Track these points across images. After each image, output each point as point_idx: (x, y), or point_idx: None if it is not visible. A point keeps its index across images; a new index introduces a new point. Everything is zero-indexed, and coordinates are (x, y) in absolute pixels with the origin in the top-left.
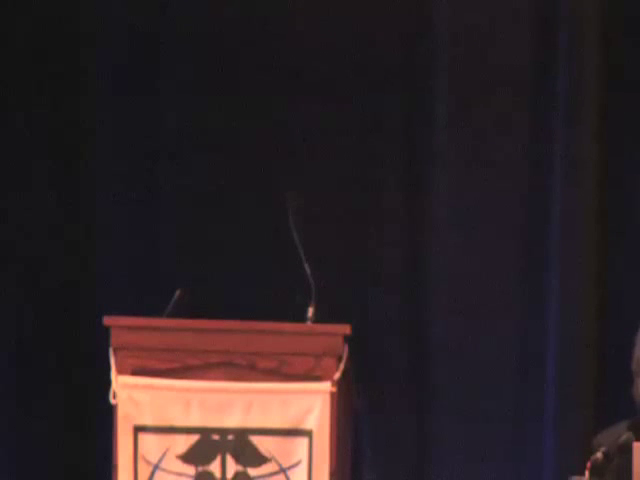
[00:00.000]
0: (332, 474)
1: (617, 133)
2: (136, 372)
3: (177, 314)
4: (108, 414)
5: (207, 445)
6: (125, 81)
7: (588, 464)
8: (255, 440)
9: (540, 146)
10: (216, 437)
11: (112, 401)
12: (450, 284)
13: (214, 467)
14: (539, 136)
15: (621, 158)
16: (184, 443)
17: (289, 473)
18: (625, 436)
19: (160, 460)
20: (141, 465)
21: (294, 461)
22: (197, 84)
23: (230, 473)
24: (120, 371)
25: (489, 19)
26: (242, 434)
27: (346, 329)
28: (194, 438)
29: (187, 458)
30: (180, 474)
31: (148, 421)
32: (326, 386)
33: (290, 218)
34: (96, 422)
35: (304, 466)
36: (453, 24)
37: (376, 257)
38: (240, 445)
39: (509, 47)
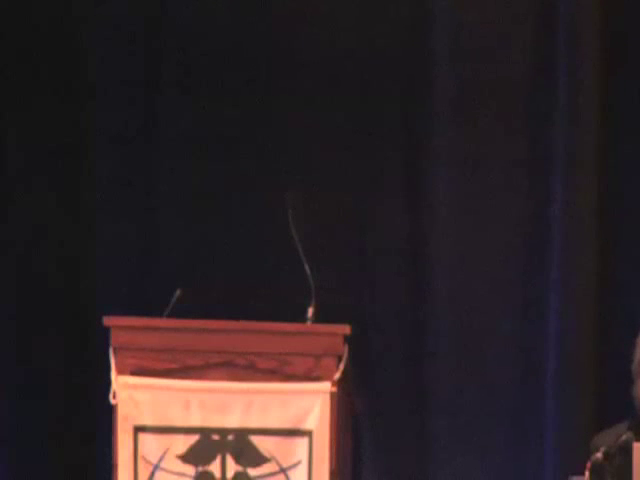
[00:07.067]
0: (332, 474)
1: (617, 133)
2: (136, 372)
3: (177, 314)
4: (108, 414)
5: (207, 445)
6: (125, 81)
7: (588, 464)
8: (255, 440)
9: (540, 145)
10: (216, 437)
11: (112, 401)
12: (450, 284)
13: (214, 467)
14: (539, 135)
15: (621, 157)
16: (184, 443)
17: (289, 473)
18: (625, 436)
19: (160, 460)
20: (141, 465)
21: (294, 461)
22: (197, 84)
23: (230, 473)
24: (120, 371)
25: (490, 19)
26: (242, 434)
27: (346, 329)
28: (194, 438)
29: (187, 458)
30: (180, 474)
31: (148, 421)
32: (326, 386)
33: (290, 218)
34: (96, 422)
35: (304, 466)
36: (453, 24)
37: (376, 257)
38: (240, 445)
39: (509, 47)
